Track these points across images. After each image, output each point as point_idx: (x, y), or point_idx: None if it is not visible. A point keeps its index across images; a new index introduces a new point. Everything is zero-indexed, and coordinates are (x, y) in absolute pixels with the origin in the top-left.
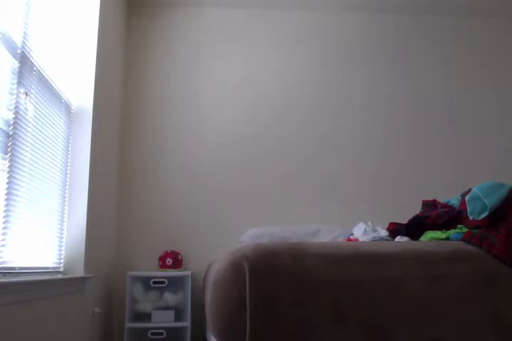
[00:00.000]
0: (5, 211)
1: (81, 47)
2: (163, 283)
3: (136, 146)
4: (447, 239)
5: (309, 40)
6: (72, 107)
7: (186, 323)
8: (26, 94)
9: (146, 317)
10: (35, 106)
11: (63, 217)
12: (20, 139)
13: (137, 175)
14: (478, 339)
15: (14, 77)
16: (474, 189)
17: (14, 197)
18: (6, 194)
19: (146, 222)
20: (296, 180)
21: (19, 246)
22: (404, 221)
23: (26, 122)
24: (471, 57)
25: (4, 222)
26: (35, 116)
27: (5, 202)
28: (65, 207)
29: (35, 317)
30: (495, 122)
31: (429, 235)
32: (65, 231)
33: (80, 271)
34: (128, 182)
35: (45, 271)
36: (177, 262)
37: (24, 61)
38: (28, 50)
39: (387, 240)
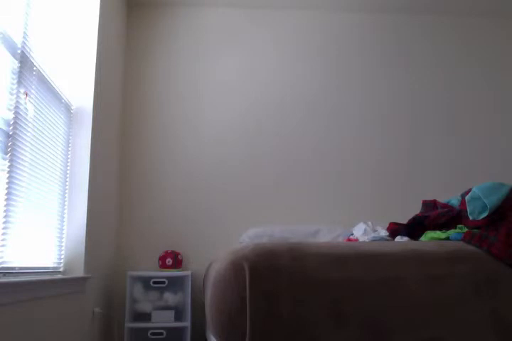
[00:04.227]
0: (5, 211)
1: (81, 47)
2: (163, 283)
3: (136, 146)
4: (447, 239)
5: (309, 40)
6: (72, 107)
7: (186, 323)
8: (26, 94)
9: (146, 317)
10: (35, 106)
11: (63, 217)
12: (20, 139)
13: (137, 175)
14: (478, 339)
15: (14, 77)
16: (474, 189)
17: (14, 197)
18: (6, 194)
19: (146, 222)
20: (297, 180)
21: (19, 246)
22: (404, 221)
23: (26, 122)
24: (471, 57)
25: (4, 222)
26: (35, 116)
27: (5, 202)
28: (65, 207)
29: (35, 317)
30: (494, 122)
31: (429, 235)
32: (65, 231)
33: (79, 271)
34: (128, 182)
35: (45, 271)
36: (177, 262)
37: (24, 61)
38: (28, 50)
39: (387, 240)
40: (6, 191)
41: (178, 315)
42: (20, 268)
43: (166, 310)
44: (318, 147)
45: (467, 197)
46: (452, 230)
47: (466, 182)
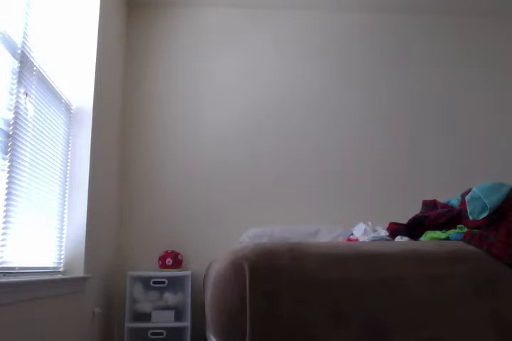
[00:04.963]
0: (5, 211)
1: (81, 47)
2: (163, 283)
3: (136, 146)
4: (447, 239)
5: (309, 40)
6: (72, 107)
7: (186, 323)
8: (26, 94)
9: (146, 317)
10: (35, 106)
11: (63, 217)
12: (20, 139)
13: (137, 175)
14: (478, 339)
15: (14, 77)
16: (474, 189)
17: (14, 197)
18: (6, 194)
19: (146, 222)
20: (297, 180)
21: (19, 246)
22: (404, 221)
23: (26, 122)
24: (471, 57)
25: (4, 222)
26: (35, 116)
27: (5, 202)
28: (65, 207)
29: (35, 317)
30: (494, 122)
31: (429, 235)
32: (65, 231)
33: (79, 271)
34: (128, 182)
35: (45, 271)
36: (177, 262)
37: (24, 61)
38: (28, 50)
39: (387, 240)
40: (6, 191)
41: (178, 315)
42: (20, 268)
43: (166, 310)
44: (318, 147)
45: (467, 197)
46: (452, 230)
47: (466, 182)
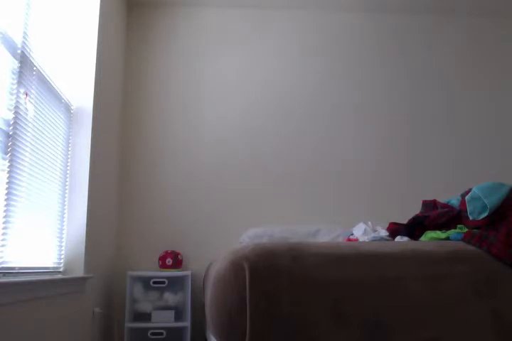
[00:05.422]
0: (5, 211)
1: (81, 47)
2: (163, 283)
3: (136, 146)
4: (447, 239)
5: (309, 40)
6: (72, 107)
7: (186, 323)
8: (26, 94)
9: (146, 317)
10: (35, 106)
11: (63, 217)
12: (20, 139)
13: (137, 175)
14: (478, 339)
15: (14, 77)
16: (474, 189)
17: (14, 197)
18: (6, 194)
19: (146, 222)
20: (297, 180)
21: (19, 246)
22: (404, 221)
23: (26, 122)
24: (470, 57)
25: (4, 222)
26: (35, 116)
27: (5, 202)
28: (65, 207)
29: (35, 317)
30: (494, 122)
31: (429, 235)
32: (65, 231)
33: (79, 271)
34: (128, 182)
35: (45, 271)
36: (177, 262)
37: (24, 61)
38: (28, 50)
39: (387, 240)
40: (6, 191)
41: (178, 315)
42: (20, 268)
43: (166, 310)
44: (318, 147)
45: (467, 197)
46: (452, 230)
47: (466, 182)
